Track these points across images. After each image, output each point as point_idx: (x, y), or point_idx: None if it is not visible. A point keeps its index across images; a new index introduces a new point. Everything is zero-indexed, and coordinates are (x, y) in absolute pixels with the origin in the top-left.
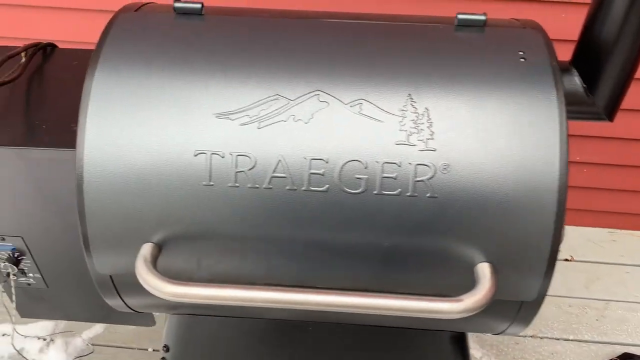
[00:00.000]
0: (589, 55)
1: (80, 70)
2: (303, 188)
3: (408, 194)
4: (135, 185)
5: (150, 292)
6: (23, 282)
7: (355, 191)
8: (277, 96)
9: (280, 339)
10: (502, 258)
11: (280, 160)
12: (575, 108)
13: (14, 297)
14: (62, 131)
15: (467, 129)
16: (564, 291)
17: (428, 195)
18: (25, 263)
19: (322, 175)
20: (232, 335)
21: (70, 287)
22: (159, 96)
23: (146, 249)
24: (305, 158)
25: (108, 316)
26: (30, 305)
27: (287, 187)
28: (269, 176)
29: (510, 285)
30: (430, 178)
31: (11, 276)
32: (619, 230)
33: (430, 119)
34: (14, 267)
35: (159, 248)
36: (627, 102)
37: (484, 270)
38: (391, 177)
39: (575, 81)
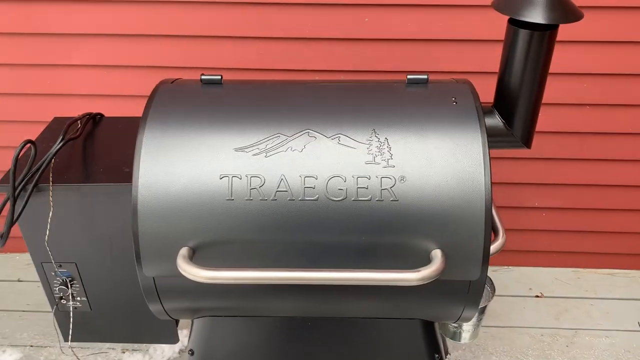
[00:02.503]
0: (504, 100)
1: (123, 132)
2: (300, 198)
3: (377, 199)
4: (175, 205)
5: (189, 278)
6: (71, 305)
7: (338, 199)
8: (279, 134)
9: (287, 333)
10: (450, 245)
11: (282, 179)
12: (498, 139)
13: (71, 318)
14: (115, 173)
15: (416, 151)
16: (536, 323)
17: (391, 199)
18: (75, 288)
19: (313, 188)
20: (247, 334)
21: (109, 309)
22: (192, 141)
23: (184, 251)
24: (300, 176)
25: (139, 336)
26: (73, 330)
27: (288, 199)
28: (275, 191)
29: (458, 267)
30: (392, 187)
31: (63, 300)
32: (582, 269)
33: (389, 145)
34: (67, 289)
35: (193, 251)
36: (572, 153)
37: (436, 254)
38: (364, 187)
39: (497, 119)
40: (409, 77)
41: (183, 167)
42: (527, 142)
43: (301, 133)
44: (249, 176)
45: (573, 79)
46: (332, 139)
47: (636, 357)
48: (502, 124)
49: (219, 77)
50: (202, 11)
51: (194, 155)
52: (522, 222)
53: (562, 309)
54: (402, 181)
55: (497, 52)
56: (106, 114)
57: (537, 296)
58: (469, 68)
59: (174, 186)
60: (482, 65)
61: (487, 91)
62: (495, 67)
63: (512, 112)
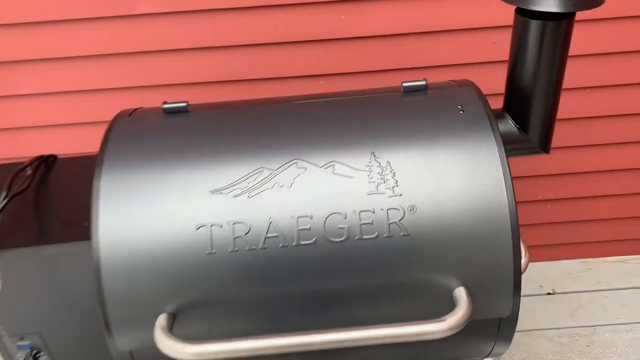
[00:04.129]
0: (516, 101)
1: (80, 175)
2: (294, 243)
3: (385, 235)
4: (146, 264)
5: (172, 355)
6: None
7: (340, 239)
8: (262, 168)
9: None
10: (474, 281)
11: (271, 222)
12: (513, 146)
13: None
14: (73, 228)
15: (424, 174)
16: (552, 323)
17: (402, 234)
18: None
19: (309, 229)
20: None
21: None
22: (159, 184)
23: (162, 319)
24: (292, 217)
25: None
26: None
27: (280, 245)
28: (263, 237)
29: (486, 304)
30: (401, 219)
31: None
32: (591, 259)
33: (393, 170)
34: None
35: (173, 317)
36: (574, 140)
37: (460, 293)
38: (368, 223)
39: (509, 124)
40: (404, 84)
41: (151, 217)
42: (545, 147)
43: (288, 164)
44: (231, 223)
45: (569, 61)
46: (326, 169)
47: None
48: (516, 129)
49: (184, 104)
50: (161, 23)
51: (163, 203)
52: (526, 217)
53: (576, 306)
54: (412, 212)
55: (489, 39)
56: (63, 145)
57: (549, 293)
58: (463, 60)
59: (142, 241)
60: (475, 56)
61: (483, 82)
62: (489, 55)
63: (527, 114)
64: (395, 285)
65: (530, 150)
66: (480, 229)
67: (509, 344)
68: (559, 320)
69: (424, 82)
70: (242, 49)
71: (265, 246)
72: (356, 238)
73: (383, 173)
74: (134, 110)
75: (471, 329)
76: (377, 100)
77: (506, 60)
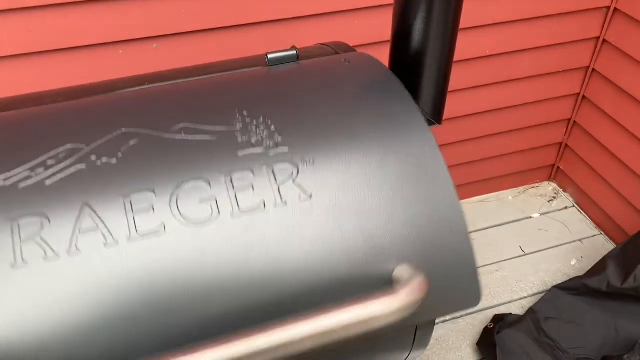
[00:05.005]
0: (405, 66)
1: None
2: (128, 237)
3: (273, 202)
4: None
5: None
6: None
7: (201, 219)
8: (68, 145)
9: None
10: (420, 256)
11: (84, 210)
12: None
13: None
14: None
15: (318, 116)
16: None
17: (301, 198)
18: None
19: (152, 211)
20: None
21: None
22: None
23: None
24: (122, 196)
25: None
26: None
27: (104, 242)
28: (69, 235)
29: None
30: (295, 177)
31: None
32: None
33: (269, 123)
34: None
35: None
36: None
37: (402, 273)
38: (246, 188)
39: None
40: (269, 56)
41: None
42: (438, 117)
43: (111, 136)
44: (13, 220)
45: None
46: (172, 134)
47: (527, 285)
48: None
49: None
50: None
51: None
52: None
53: None
54: (307, 164)
55: None
56: None
57: None
58: (312, 11)
59: None
60: (324, 6)
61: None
62: (342, 4)
63: (418, 79)
64: (303, 278)
65: None
66: (410, 172)
67: (425, 349)
68: None
69: (294, 52)
70: (45, 10)
71: (77, 248)
72: (229, 214)
73: (257, 127)
74: None
75: (383, 345)
76: (239, 78)
77: (359, 8)
